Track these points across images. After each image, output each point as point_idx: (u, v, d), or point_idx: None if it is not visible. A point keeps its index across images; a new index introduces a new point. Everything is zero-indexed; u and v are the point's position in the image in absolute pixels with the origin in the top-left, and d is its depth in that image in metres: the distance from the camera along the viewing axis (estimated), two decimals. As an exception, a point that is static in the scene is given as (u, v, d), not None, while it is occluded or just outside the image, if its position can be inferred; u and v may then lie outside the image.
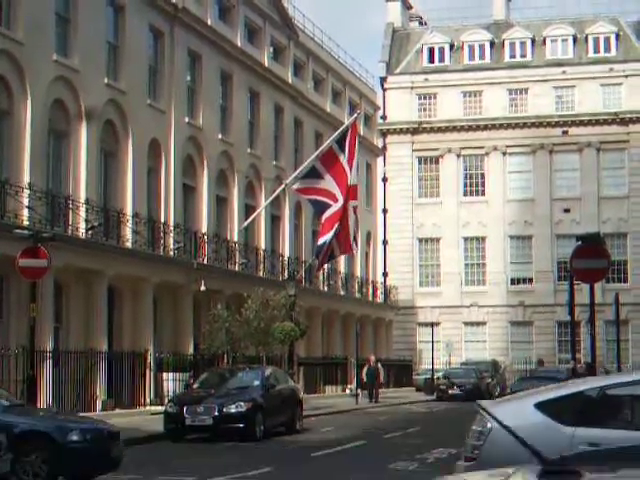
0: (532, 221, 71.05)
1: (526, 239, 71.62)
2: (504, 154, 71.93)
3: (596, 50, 72.61)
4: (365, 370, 44.34)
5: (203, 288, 40.81)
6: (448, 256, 71.80)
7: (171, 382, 36.41)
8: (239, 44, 48.36)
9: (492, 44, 74.10)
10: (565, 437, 9.49)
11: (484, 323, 71.27)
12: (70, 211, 33.49)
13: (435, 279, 72.53)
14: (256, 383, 28.13)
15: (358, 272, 63.93)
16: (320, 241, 35.82)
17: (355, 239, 35.49)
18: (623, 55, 72.07)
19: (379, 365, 43.59)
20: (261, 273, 47.41)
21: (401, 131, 73.30)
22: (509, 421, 9.71)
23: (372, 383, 45.67)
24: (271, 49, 53.13)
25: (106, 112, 37.73)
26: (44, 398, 29.76)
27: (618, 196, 70.53)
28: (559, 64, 71.97)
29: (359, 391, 46.27)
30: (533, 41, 73.58)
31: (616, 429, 9.91)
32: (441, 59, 74.64)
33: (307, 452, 22.38)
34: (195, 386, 29.35)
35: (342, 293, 59.17)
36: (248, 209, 47.91)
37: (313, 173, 34.84)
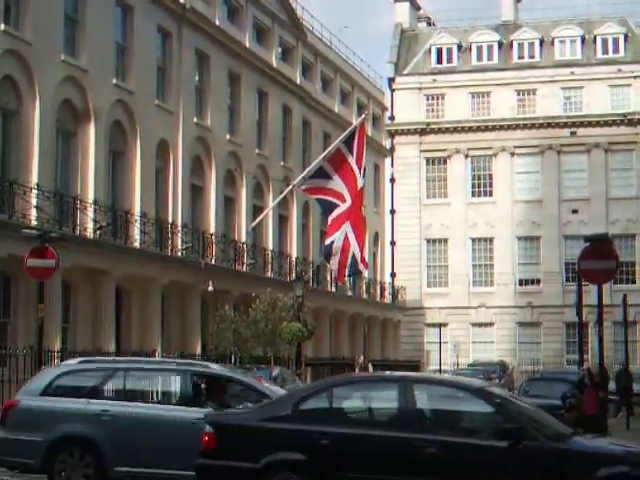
0: (540, 222, 70.92)
1: (534, 240, 71.49)
2: (512, 155, 71.80)
3: (604, 51, 72.46)
4: (357, 372, 43.44)
5: (211, 288, 40.82)
6: (456, 257, 71.69)
7: (179, 382, 36.32)
8: (247, 44, 48.36)
9: (500, 45, 73.99)
10: None
11: (492, 324, 71.14)
12: (78, 211, 33.53)
13: (443, 280, 72.42)
14: (263, 383, 28.08)
15: (366, 273, 63.77)
16: (327, 241, 35.81)
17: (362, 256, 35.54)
18: (632, 56, 71.91)
19: (370, 365, 42.81)
20: (269, 274, 47.39)
21: (409, 132, 73.22)
22: None
23: None
24: (279, 50, 53.13)
25: (114, 112, 37.76)
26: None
27: (626, 197, 70.36)
28: (567, 65, 71.83)
29: None
30: (541, 42, 73.45)
31: None
32: (449, 60, 74.56)
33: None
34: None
35: (350, 294, 59.12)
36: (256, 210, 47.91)
37: (321, 173, 34.80)
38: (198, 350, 40.02)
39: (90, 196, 34.95)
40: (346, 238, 34.41)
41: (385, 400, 13.19)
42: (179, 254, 39.74)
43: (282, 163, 52.29)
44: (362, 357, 43.67)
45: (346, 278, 41.54)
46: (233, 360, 38.12)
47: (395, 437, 12.35)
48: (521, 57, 73.49)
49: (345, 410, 13.39)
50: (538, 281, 71.00)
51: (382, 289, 66.31)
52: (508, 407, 12.59)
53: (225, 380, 16.67)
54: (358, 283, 61.05)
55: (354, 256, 34.72)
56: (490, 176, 72.09)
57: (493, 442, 12.05)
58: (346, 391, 13.48)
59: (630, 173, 70.74)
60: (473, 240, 71.96)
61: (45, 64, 33.37)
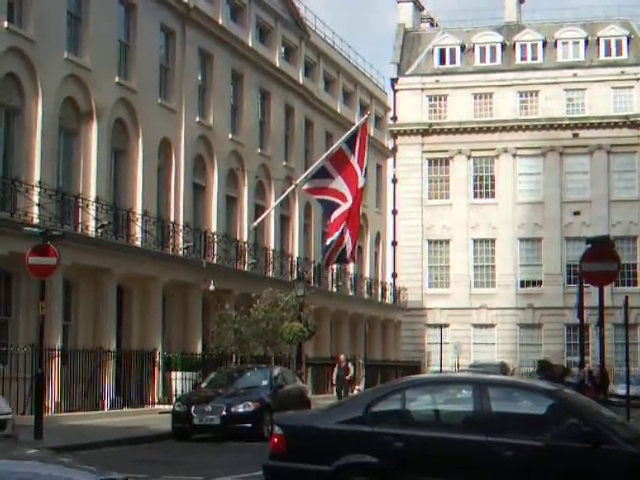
0: (542, 224, 70.94)
1: (536, 241, 71.52)
2: (514, 156, 71.83)
3: (607, 53, 72.49)
4: (335, 371, 43.33)
5: (212, 288, 40.81)
6: (457, 258, 71.72)
7: (179, 381, 36.42)
8: (250, 44, 48.35)
9: (503, 46, 74.00)
10: None
11: (493, 325, 71.17)
12: (80, 209, 33.51)
13: (444, 281, 72.45)
14: (264, 383, 28.13)
15: (367, 273, 63.89)
16: (328, 241, 35.88)
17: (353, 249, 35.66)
18: (634, 58, 71.93)
19: (349, 365, 42.68)
20: (270, 273, 47.37)
21: (411, 132, 73.25)
22: None
23: (341, 384, 41.73)
24: (282, 49, 53.11)
25: (117, 111, 37.74)
26: (52, 396, 29.80)
27: (628, 199, 70.40)
28: (570, 67, 71.85)
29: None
30: (544, 43, 73.46)
31: None
32: (452, 61, 74.59)
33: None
34: (203, 386, 29.36)
35: (351, 294, 59.12)
36: (258, 209, 47.92)
37: (323, 173, 34.89)
38: (199, 350, 40.01)
39: (92, 194, 34.93)
40: (342, 234, 34.59)
41: (459, 403, 13.04)
42: (180, 253, 39.71)
43: (284, 163, 52.27)
44: (341, 356, 43.69)
45: (334, 265, 41.57)
46: (234, 360, 38.16)
47: (470, 440, 12.08)
48: (524, 58, 73.51)
49: (419, 412, 13.09)
50: (539, 283, 71.04)
51: (383, 289, 66.29)
52: (584, 410, 12.34)
53: None
54: (359, 283, 61.07)
55: (345, 249, 34.91)
56: (492, 177, 72.12)
57: (570, 446, 11.76)
58: (419, 393, 13.20)
59: (632, 175, 70.79)
60: (475, 241, 72.00)
61: (48, 62, 33.34)
